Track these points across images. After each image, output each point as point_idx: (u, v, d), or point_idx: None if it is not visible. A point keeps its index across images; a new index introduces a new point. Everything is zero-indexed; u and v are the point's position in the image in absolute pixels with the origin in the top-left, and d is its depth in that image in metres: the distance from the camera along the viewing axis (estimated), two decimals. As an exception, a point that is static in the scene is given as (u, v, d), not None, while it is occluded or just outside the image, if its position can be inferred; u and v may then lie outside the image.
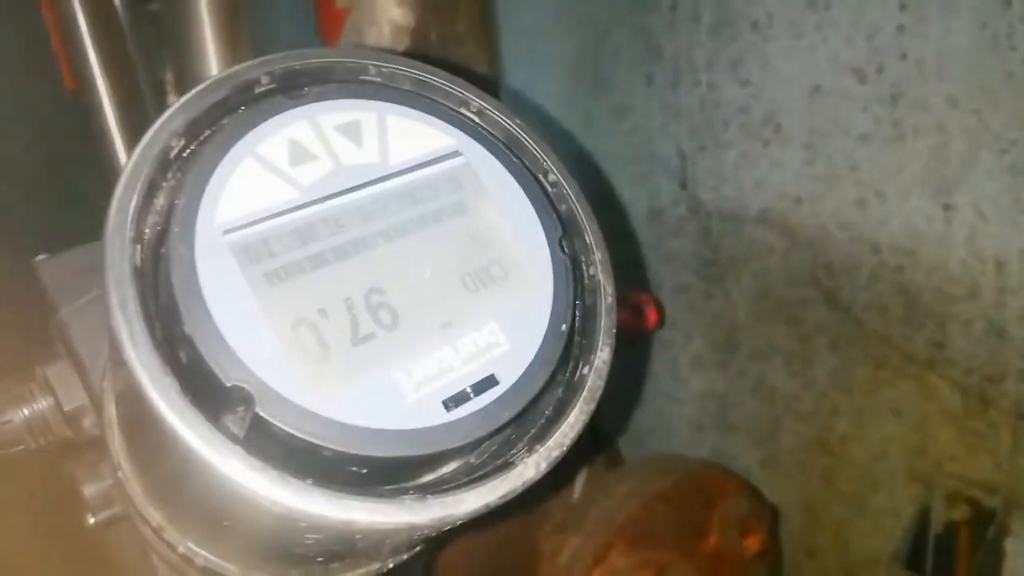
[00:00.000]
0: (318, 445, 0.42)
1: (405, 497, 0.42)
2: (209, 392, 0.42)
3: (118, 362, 0.43)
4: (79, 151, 1.53)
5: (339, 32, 1.29)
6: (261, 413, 0.41)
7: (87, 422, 0.64)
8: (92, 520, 0.69)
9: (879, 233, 1.31)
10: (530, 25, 1.71)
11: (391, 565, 0.61)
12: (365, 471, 0.44)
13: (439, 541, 0.65)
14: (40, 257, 0.65)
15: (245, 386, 0.41)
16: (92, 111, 1.50)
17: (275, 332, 0.43)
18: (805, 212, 1.40)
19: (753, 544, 1.09)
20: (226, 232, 0.44)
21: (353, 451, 0.42)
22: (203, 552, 0.57)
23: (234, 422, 0.41)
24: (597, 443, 1.22)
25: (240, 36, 1.28)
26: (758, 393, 1.54)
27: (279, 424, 0.41)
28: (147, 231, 0.45)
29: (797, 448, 1.49)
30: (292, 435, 0.41)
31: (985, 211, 1.21)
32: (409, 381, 0.44)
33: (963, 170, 1.22)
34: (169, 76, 1.76)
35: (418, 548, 0.62)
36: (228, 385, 0.41)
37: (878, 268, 1.32)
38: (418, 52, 1.23)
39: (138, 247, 0.43)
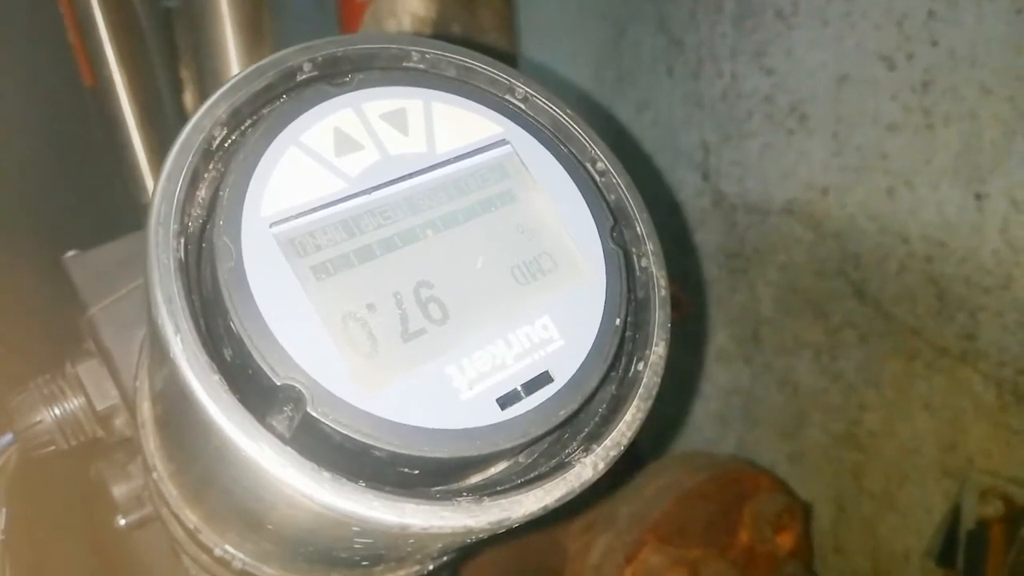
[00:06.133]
0: (371, 446, 0.40)
1: (460, 499, 0.40)
2: (255, 391, 0.40)
3: (161, 359, 0.41)
4: (94, 146, 1.52)
5: (358, 24, 1.28)
6: (312, 413, 0.39)
7: (119, 422, 0.62)
8: (123, 521, 0.68)
9: (909, 223, 1.29)
10: (553, 20, 1.69)
11: (431, 568, 0.60)
12: (416, 472, 0.42)
13: (480, 544, 0.63)
14: (70, 254, 0.63)
15: (296, 384, 0.39)
16: (109, 106, 1.48)
17: (325, 328, 0.41)
18: (832, 203, 1.37)
19: (786, 541, 1.07)
20: (272, 224, 0.42)
21: (408, 452, 0.40)
22: (241, 555, 0.56)
23: (281, 422, 0.40)
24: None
25: (263, 32, 1.26)
26: (785, 387, 1.52)
27: (331, 424, 0.39)
28: (190, 224, 0.43)
29: (825, 443, 1.47)
30: (344, 435, 0.40)
31: (1019, 199, 1.18)
32: (462, 378, 0.43)
33: (996, 158, 1.19)
34: (186, 73, 1.75)
35: (462, 552, 0.61)
36: (278, 384, 0.39)
37: (908, 259, 1.30)
38: (440, 44, 1.20)
39: (182, 240, 0.41)
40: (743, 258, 1.53)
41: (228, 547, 0.55)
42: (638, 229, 0.51)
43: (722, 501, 1.05)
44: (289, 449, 0.38)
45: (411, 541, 0.41)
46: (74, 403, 0.61)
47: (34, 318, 0.92)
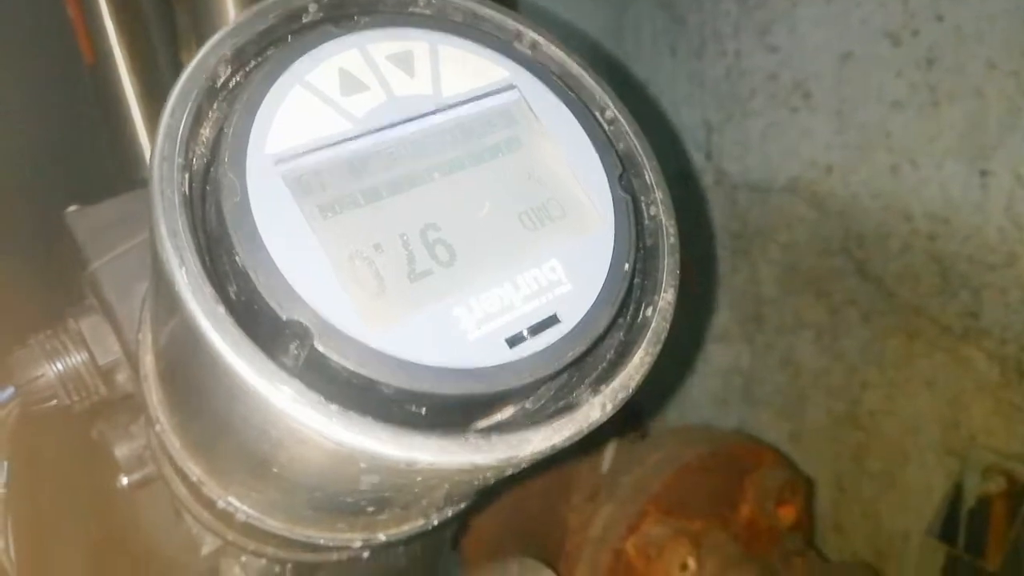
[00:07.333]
0: (378, 382, 0.40)
1: (468, 436, 0.40)
2: (261, 328, 0.40)
3: (166, 297, 0.41)
4: (94, 125, 1.51)
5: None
6: (319, 348, 0.39)
7: (121, 377, 0.62)
8: (125, 480, 0.68)
9: (912, 201, 1.28)
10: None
11: (435, 522, 0.60)
12: (423, 412, 0.42)
13: (482, 497, 0.63)
14: (71, 209, 0.63)
15: (302, 320, 0.39)
16: (110, 84, 1.48)
17: (331, 265, 0.41)
18: (835, 181, 1.37)
19: (788, 515, 1.07)
20: (278, 162, 0.42)
21: (415, 388, 0.40)
22: (244, 507, 0.56)
23: (287, 359, 0.40)
24: (632, 418, 1.20)
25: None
26: (786, 367, 1.51)
27: (338, 359, 0.39)
28: (194, 161, 0.43)
29: (826, 423, 1.47)
30: (351, 372, 0.39)
31: (1025, 177, 1.18)
32: (470, 317, 0.42)
33: (1001, 135, 1.19)
34: (186, 56, 1.73)
35: (465, 504, 0.60)
36: (284, 319, 0.39)
37: (911, 237, 1.29)
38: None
39: (186, 175, 0.41)
40: (745, 238, 1.53)
41: (231, 499, 0.55)
42: (647, 177, 0.50)
43: (724, 474, 1.05)
44: (296, 381, 0.38)
45: (418, 479, 0.41)
46: (76, 358, 0.61)
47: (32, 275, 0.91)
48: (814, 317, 1.45)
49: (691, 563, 0.95)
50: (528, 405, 0.47)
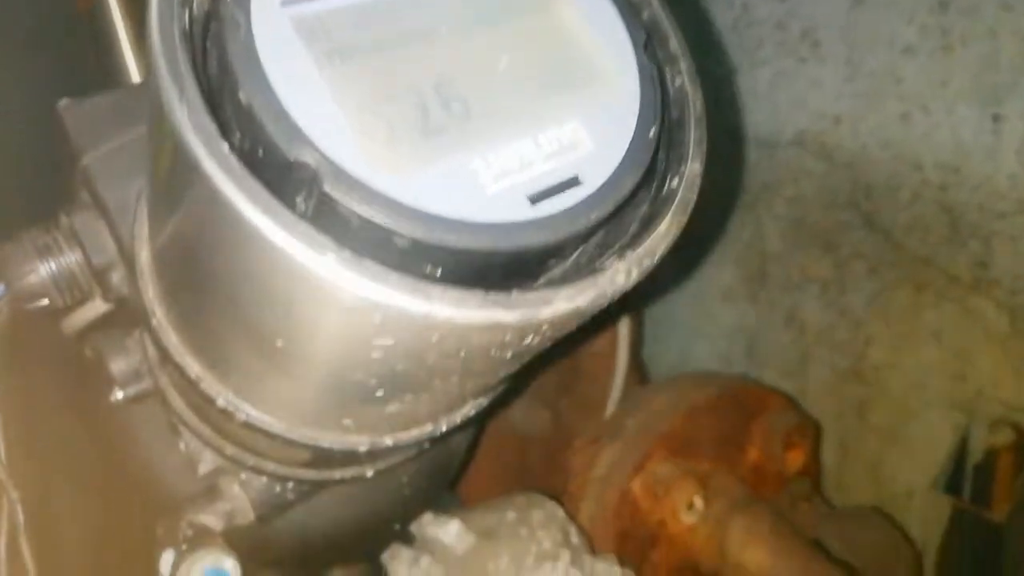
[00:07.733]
0: (392, 232, 0.37)
1: (489, 293, 0.37)
2: (267, 176, 0.37)
3: (164, 142, 0.38)
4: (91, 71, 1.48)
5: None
6: (328, 191, 0.36)
7: (116, 277, 0.59)
8: (120, 394, 0.65)
9: (922, 150, 1.26)
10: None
11: (443, 428, 0.57)
12: (440, 270, 0.39)
13: (495, 405, 0.61)
14: (63, 102, 0.60)
15: (309, 161, 0.36)
16: (103, 29, 1.44)
17: (341, 113, 0.38)
18: (844, 132, 1.34)
19: (795, 459, 1.05)
20: (284, 3, 0.39)
21: (433, 240, 0.37)
22: (245, 405, 0.53)
23: (295, 205, 0.37)
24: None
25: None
26: (790, 325, 1.49)
27: (348, 204, 0.36)
28: (194, 6, 0.40)
29: (830, 380, 1.45)
30: (363, 220, 0.37)
31: (1037, 120, 1.16)
32: (488, 172, 0.40)
33: (1015, 78, 1.16)
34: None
35: (474, 409, 0.58)
36: (291, 160, 0.36)
37: (921, 187, 1.27)
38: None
39: (187, 12, 0.38)
40: (751, 194, 1.50)
41: (231, 395, 0.53)
42: (672, 47, 0.48)
43: (732, 417, 1.03)
44: (304, 223, 0.35)
45: (433, 341, 0.38)
46: (69, 257, 0.58)
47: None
48: (820, 272, 1.43)
49: (698, 502, 0.93)
50: (543, 282, 0.45)
